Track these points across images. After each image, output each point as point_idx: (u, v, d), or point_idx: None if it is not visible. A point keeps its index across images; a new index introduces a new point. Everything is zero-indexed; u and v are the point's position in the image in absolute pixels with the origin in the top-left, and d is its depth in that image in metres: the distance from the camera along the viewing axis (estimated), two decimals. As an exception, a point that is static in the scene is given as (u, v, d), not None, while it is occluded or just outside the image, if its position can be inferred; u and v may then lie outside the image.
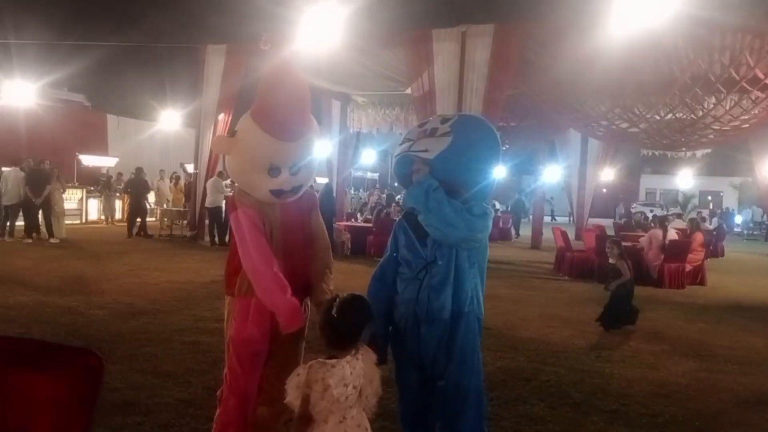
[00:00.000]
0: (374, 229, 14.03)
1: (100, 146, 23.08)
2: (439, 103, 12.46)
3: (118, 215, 18.91)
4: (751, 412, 4.66)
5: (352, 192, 24.20)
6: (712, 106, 13.21)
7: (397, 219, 3.23)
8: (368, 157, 28.04)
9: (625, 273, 7.44)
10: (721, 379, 5.40)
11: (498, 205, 24.52)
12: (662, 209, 32.01)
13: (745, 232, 29.14)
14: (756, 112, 13.39)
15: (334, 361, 2.41)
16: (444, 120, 2.99)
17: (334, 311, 2.47)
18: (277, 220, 3.05)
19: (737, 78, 11.94)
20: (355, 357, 2.46)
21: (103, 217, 18.88)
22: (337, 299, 2.52)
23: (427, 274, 2.86)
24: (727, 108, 13.36)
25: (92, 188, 19.28)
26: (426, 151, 2.88)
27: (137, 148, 23.11)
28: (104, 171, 21.73)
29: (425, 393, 3.00)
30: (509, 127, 18.45)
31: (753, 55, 11.43)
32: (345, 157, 19.03)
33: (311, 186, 3.34)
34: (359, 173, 33.47)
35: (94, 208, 18.97)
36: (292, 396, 2.40)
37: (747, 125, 14.13)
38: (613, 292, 7.36)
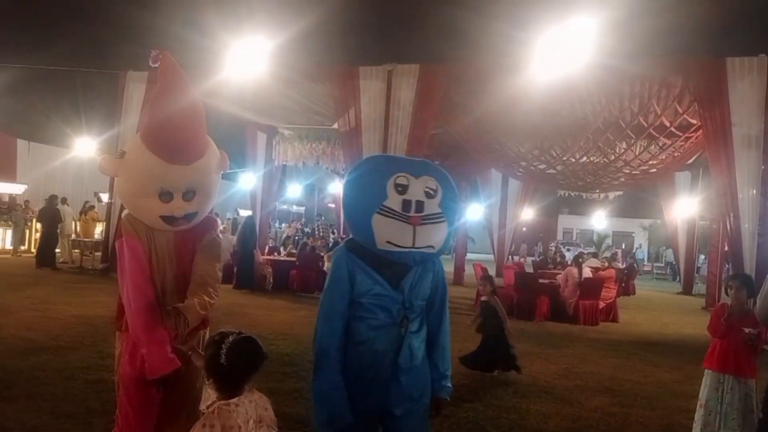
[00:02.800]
0: (297, 263, 13.84)
1: (8, 172, 21.83)
2: (366, 138, 12.57)
3: (25, 246, 17.81)
4: (659, 445, 4.80)
5: (276, 225, 23.85)
6: (622, 150, 13.95)
7: (334, 252, 2.89)
8: (294, 190, 27.86)
9: (500, 310, 6.81)
10: (631, 413, 5.55)
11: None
12: (581, 248, 33.27)
13: (655, 271, 30.65)
14: (663, 157, 14.24)
15: (235, 399, 2.26)
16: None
17: (222, 358, 2.27)
18: (169, 249, 2.90)
19: (645, 125, 12.70)
20: (249, 390, 2.34)
21: (11, 248, 17.72)
22: (225, 342, 2.29)
23: (408, 321, 2.67)
24: (637, 153, 14.16)
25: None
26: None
27: (49, 176, 22.01)
28: (8, 199, 20.54)
29: None
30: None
31: (660, 103, 12.21)
32: (270, 189, 18.80)
33: (216, 213, 3.19)
34: (285, 207, 33.13)
35: (-1, 238, 17.83)
36: None
37: (655, 170, 15.00)
38: (485, 331, 6.74)
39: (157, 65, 2.85)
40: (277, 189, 20.64)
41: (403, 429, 2.75)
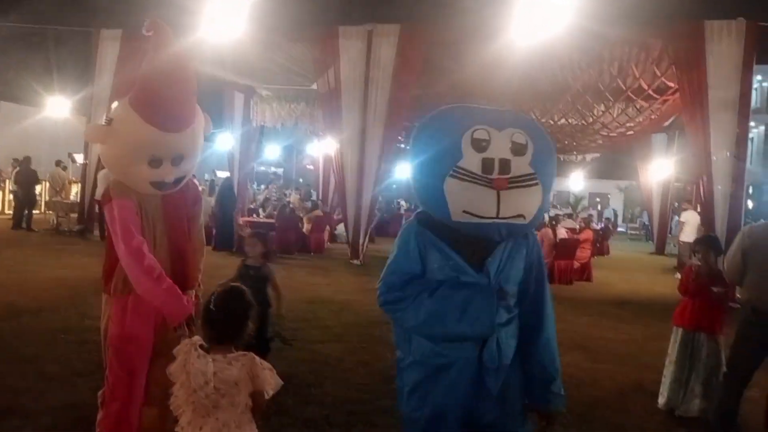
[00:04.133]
0: (277, 225, 13.85)
1: (-21, 132, 21.31)
2: (345, 99, 12.49)
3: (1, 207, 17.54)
4: (629, 399, 5.00)
5: (255, 187, 23.72)
6: (601, 113, 14.07)
7: (403, 227, 2.42)
8: (272, 152, 27.64)
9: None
10: (603, 368, 5.76)
11: (403, 204, 24.89)
12: (557, 209, 33.63)
13: (629, 232, 31.20)
14: (640, 120, 14.41)
15: (202, 351, 2.31)
16: None
17: (212, 305, 2.35)
18: (158, 212, 2.93)
19: (624, 88, 12.80)
20: (229, 362, 2.32)
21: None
22: (215, 292, 2.40)
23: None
24: (615, 115, 14.30)
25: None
26: None
27: (23, 136, 21.51)
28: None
29: None
30: (413, 127, 18.79)
31: (638, 66, 12.29)
32: (248, 151, 18.65)
33: (193, 175, 3.20)
34: (263, 168, 32.92)
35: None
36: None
37: (632, 132, 15.18)
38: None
39: (150, 34, 2.83)
40: (255, 150, 20.50)
41: None
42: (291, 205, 14.89)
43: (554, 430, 4.04)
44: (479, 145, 2.13)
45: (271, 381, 2.37)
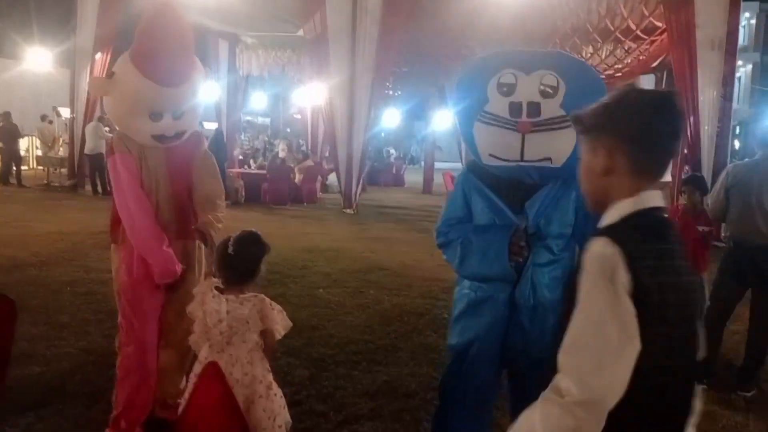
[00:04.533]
0: (268, 176, 13.90)
1: (-42, 87, 20.92)
2: (333, 46, 12.37)
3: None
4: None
5: (242, 138, 23.59)
6: (589, 55, 14.03)
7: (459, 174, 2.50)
8: (259, 100, 27.34)
9: None
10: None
11: (393, 152, 24.95)
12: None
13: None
14: (628, 61, 14.39)
15: (218, 293, 2.51)
16: None
17: (230, 249, 2.50)
18: (161, 165, 3.00)
19: (612, 28, 12.75)
20: (241, 302, 2.49)
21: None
22: (232, 237, 2.54)
23: (528, 248, 2.24)
24: (603, 57, 14.27)
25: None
26: None
27: (3, 90, 21.15)
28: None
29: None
30: (401, 72, 18.66)
31: (627, 6, 12.23)
32: (234, 100, 18.50)
33: (199, 130, 3.28)
34: (249, 118, 32.61)
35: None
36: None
37: (620, 74, 15.16)
38: None
39: None
40: (242, 100, 20.31)
41: (529, 390, 2.45)
42: (280, 156, 14.89)
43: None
44: (505, 90, 2.14)
45: (281, 321, 2.55)
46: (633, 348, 1.24)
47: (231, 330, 2.47)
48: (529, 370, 2.26)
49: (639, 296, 1.24)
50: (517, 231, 2.20)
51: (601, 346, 1.23)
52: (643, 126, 1.35)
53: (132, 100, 2.88)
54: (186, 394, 2.57)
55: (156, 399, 3.18)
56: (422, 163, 19.47)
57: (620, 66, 14.49)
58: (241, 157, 17.69)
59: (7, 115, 15.12)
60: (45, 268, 6.48)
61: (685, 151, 10.54)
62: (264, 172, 14.36)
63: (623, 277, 1.23)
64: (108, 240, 3.20)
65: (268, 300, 2.56)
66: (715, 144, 10.39)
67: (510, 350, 2.34)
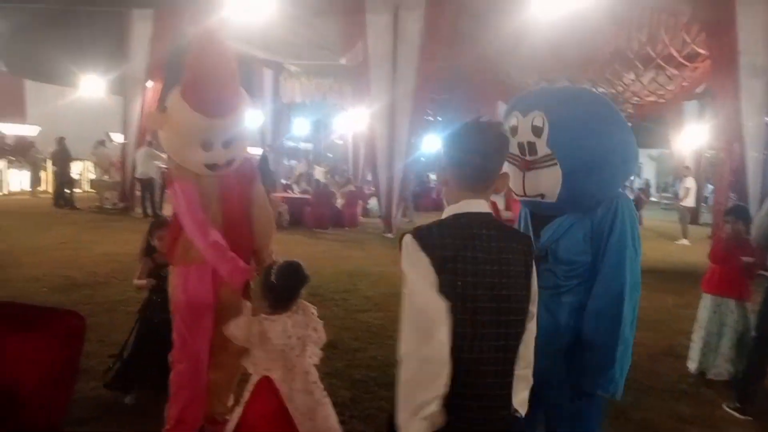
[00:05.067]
0: (312, 200, 14.15)
1: (17, 113, 21.94)
2: (374, 74, 12.63)
3: (42, 186, 18.16)
4: (661, 363, 5.20)
5: (288, 162, 24.05)
6: (630, 81, 13.98)
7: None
8: (301, 127, 27.84)
9: None
10: (636, 335, 5.93)
11: (433, 177, 25.03)
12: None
13: (662, 202, 30.93)
14: (671, 87, 14.28)
15: (274, 317, 2.68)
16: None
17: (273, 277, 2.68)
18: (215, 192, 3.16)
19: (653, 55, 12.70)
20: (295, 312, 2.73)
21: (29, 189, 18.08)
22: (274, 266, 2.73)
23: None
24: (645, 83, 14.19)
25: (13, 158, 18.40)
26: None
27: (59, 116, 22.09)
28: (9, 141, 20.74)
29: None
30: (441, 99, 18.85)
31: (668, 32, 12.18)
32: (278, 127, 18.96)
33: (249, 157, 3.46)
34: (292, 143, 33.19)
35: (15, 179, 18.12)
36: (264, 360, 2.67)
37: (663, 100, 15.05)
38: None
39: (193, 28, 3.09)
40: (285, 126, 20.79)
41: (554, 422, 2.40)
42: (315, 178, 15.16)
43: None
44: (512, 131, 2.32)
45: (323, 335, 2.80)
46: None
47: (301, 342, 2.67)
48: (554, 409, 2.38)
49: (437, 269, 1.67)
50: (545, 255, 2.32)
51: None
52: (455, 152, 1.81)
53: (184, 132, 3.08)
54: (239, 409, 2.71)
55: (206, 415, 3.32)
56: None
57: (662, 92, 14.38)
58: (284, 182, 18.03)
59: (61, 140, 15.81)
60: (99, 288, 6.76)
61: (730, 178, 10.38)
62: (307, 196, 14.62)
63: (423, 259, 1.67)
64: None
65: (311, 307, 2.80)
66: (762, 171, 10.21)
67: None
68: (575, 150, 2.20)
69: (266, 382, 2.59)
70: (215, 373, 3.33)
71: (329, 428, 2.67)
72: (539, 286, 2.22)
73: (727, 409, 4.17)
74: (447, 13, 12.24)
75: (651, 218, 20.33)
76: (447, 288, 1.67)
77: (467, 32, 12.84)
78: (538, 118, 2.25)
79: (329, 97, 18.07)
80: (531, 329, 1.86)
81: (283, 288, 2.70)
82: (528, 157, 2.26)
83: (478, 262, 1.72)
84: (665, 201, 30.43)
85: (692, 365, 4.91)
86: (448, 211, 1.81)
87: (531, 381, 1.90)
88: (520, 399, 1.86)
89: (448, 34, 12.31)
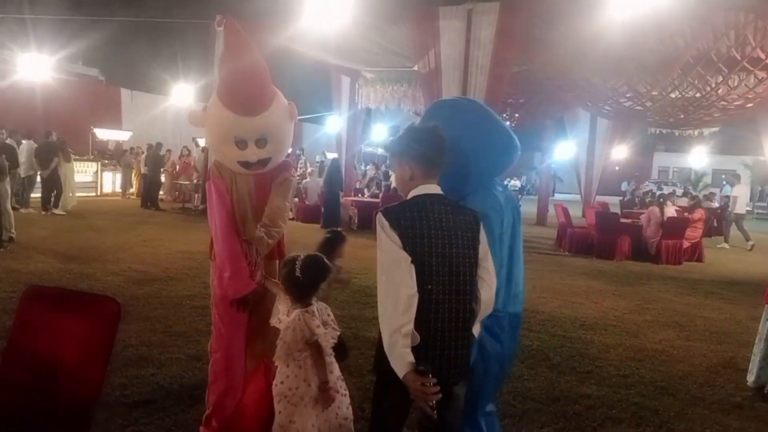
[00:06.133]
0: (381, 204, 14.34)
1: (114, 120, 23.48)
2: (445, 80, 12.67)
3: (132, 189, 19.36)
4: (719, 375, 4.99)
5: (362, 167, 24.44)
6: (715, 85, 13.32)
7: None
8: (379, 132, 28.23)
9: None
10: (696, 346, 5.73)
11: (511, 183, 24.87)
12: (676, 187, 31.88)
13: (756, 211, 29.22)
14: (759, 91, 13.49)
15: (310, 307, 2.80)
16: None
17: (297, 272, 2.77)
18: (249, 189, 3.31)
19: (739, 58, 12.06)
20: (319, 308, 2.84)
21: (120, 190, 19.32)
22: (298, 260, 2.81)
23: None
24: (732, 86, 13.47)
25: (107, 161, 19.72)
26: None
27: (150, 122, 23.48)
28: (110, 146, 22.18)
29: None
30: (517, 104, 18.64)
31: (756, 35, 11.53)
32: (354, 132, 19.28)
33: (288, 161, 3.55)
34: (370, 149, 33.70)
35: (108, 181, 19.41)
36: (293, 350, 2.77)
37: (751, 104, 14.23)
38: None
39: (221, 29, 3.27)
40: (362, 131, 21.12)
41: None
42: (393, 186, 15.33)
43: (634, 400, 4.22)
44: None
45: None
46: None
47: (325, 327, 2.78)
48: None
49: (393, 230, 2.21)
50: None
51: None
52: (414, 149, 2.34)
53: (218, 129, 3.26)
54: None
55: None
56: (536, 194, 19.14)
57: (751, 96, 13.61)
58: (357, 186, 18.36)
59: (157, 145, 16.81)
60: (170, 283, 7.18)
61: None
62: (377, 200, 14.83)
63: (387, 225, 2.22)
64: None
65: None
66: None
67: None
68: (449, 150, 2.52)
69: (262, 366, 2.73)
70: (255, 362, 3.47)
71: (343, 415, 2.77)
72: None
73: None
74: (520, 17, 12.12)
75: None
76: (409, 248, 2.20)
77: (541, 36, 12.65)
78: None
79: (403, 104, 18.22)
80: (483, 278, 2.36)
81: (310, 282, 2.80)
82: None
83: (431, 230, 2.25)
84: (759, 210, 28.70)
85: (750, 378, 4.69)
86: (411, 194, 2.34)
87: (485, 312, 2.40)
88: (474, 327, 2.41)
89: (521, 38, 12.17)
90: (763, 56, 11.69)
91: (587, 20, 11.17)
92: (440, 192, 2.35)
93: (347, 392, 2.87)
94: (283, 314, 2.85)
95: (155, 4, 18.21)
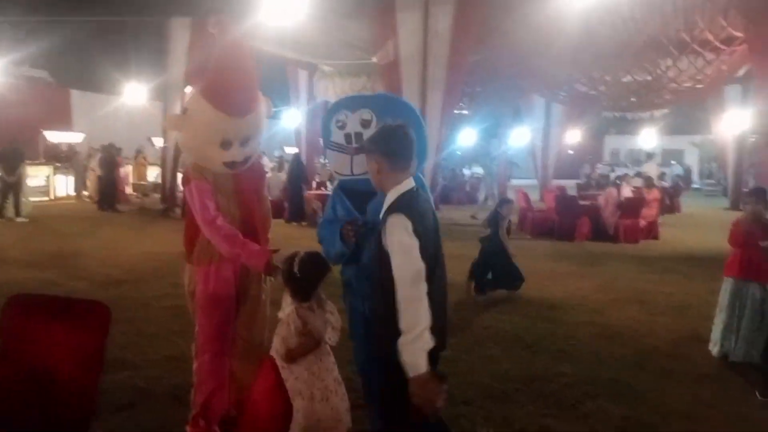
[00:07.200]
0: (344, 196, 14.32)
1: (64, 122, 22.82)
2: (405, 71, 12.72)
3: (87, 192, 18.86)
4: (684, 347, 5.19)
5: (323, 161, 24.35)
6: (666, 68, 13.73)
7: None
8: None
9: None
10: (660, 321, 5.94)
11: (469, 171, 25.10)
12: (627, 168, 32.67)
13: (704, 188, 30.21)
14: (709, 72, 13.95)
15: (308, 303, 2.82)
16: None
17: (296, 269, 2.80)
18: (230, 189, 3.30)
19: (689, 40, 12.46)
20: (313, 302, 2.86)
21: (74, 194, 18.82)
22: (297, 257, 2.84)
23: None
24: (682, 69, 13.91)
25: (59, 165, 19.17)
26: None
27: (102, 123, 22.92)
28: (65, 147, 21.60)
29: None
30: (474, 92, 18.84)
31: (705, 18, 11.93)
32: (313, 126, 19.21)
33: (261, 155, 3.59)
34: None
35: (62, 185, 18.88)
36: (289, 343, 2.78)
37: (701, 85, 14.72)
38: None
39: (215, 31, 3.23)
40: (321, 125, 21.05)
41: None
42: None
43: (608, 375, 4.37)
44: (339, 125, 2.93)
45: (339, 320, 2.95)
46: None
47: (324, 327, 2.82)
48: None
49: (417, 234, 2.24)
50: (349, 222, 2.81)
51: None
52: (387, 146, 2.42)
53: (205, 131, 3.21)
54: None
55: (231, 401, 3.49)
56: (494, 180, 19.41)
57: (700, 77, 14.07)
58: (318, 180, 18.28)
59: (111, 146, 16.37)
60: (137, 285, 7.07)
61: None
62: (340, 193, 14.79)
63: (411, 227, 2.23)
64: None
65: (321, 292, 2.95)
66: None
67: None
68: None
69: (269, 362, 2.73)
70: (239, 362, 3.46)
71: (340, 411, 2.80)
72: (365, 249, 2.78)
73: (760, 396, 4.10)
74: (477, 7, 12.25)
75: (692, 206, 19.87)
76: (422, 251, 2.25)
77: (498, 25, 12.81)
78: (367, 114, 2.89)
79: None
80: None
81: (307, 278, 2.82)
82: (355, 144, 2.87)
83: (428, 230, 2.35)
84: (708, 188, 29.73)
85: (714, 348, 4.89)
86: (399, 188, 2.40)
87: None
88: None
89: (479, 28, 12.31)
90: (711, 38, 12.08)
91: (543, 9, 11.37)
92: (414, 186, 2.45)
93: (345, 397, 2.90)
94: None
95: (105, 3, 17.73)
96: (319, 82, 18.19)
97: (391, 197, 2.41)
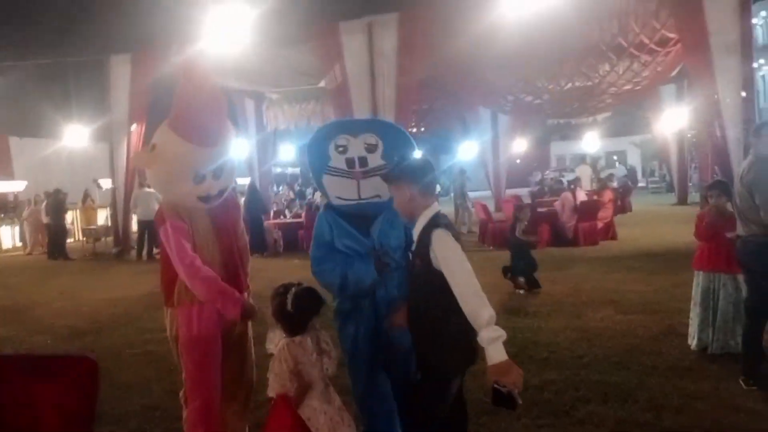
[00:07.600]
0: (305, 223, 14.19)
1: (5, 170, 22.03)
2: (354, 93, 12.78)
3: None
4: (663, 343, 5.26)
5: (275, 189, 24.15)
6: (605, 73, 14.16)
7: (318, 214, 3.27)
8: (287, 152, 27.99)
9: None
10: (635, 319, 6.04)
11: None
12: (574, 173, 33.49)
13: (650, 186, 31.22)
14: (646, 74, 14.45)
15: (299, 337, 2.74)
16: None
17: (289, 306, 2.71)
18: (207, 226, 3.17)
19: (625, 44, 12.89)
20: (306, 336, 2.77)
21: (20, 244, 18.04)
22: (289, 293, 2.74)
23: (383, 263, 3.01)
24: (620, 73, 14.37)
25: (2, 215, 18.43)
26: None
27: (44, 169, 22.20)
28: (11, 197, 20.83)
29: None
30: (422, 110, 19.05)
31: (638, 21, 12.38)
32: (264, 154, 19.07)
33: (233, 188, 3.50)
34: (279, 169, 33.35)
35: (7, 236, 18.12)
36: (284, 380, 2.69)
37: (639, 87, 15.23)
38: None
39: (181, 62, 3.15)
40: (271, 153, 20.89)
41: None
42: (317, 203, 15.25)
43: (594, 378, 4.40)
44: (341, 149, 2.95)
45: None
46: None
47: (319, 357, 2.76)
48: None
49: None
50: (377, 255, 2.90)
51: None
52: (421, 176, 2.61)
53: (175, 166, 3.09)
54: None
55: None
56: (452, 194, 19.55)
57: (638, 80, 14.56)
58: (275, 209, 18.10)
59: (57, 192, 15.67)
60: (102, 334, 6.80)
61: (713, 156, 10.50)
62: (300, 220, 14.67)
63: (452, 236, 2.50)
64: (159, 301, 3.38)
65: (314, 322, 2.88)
66: (743, 146, 10.32)
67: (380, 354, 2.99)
68: (403, 159, 2.83)
69: (282, 399, 2.64)
70: (230, 405, 3.34)
71: None
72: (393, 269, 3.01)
73: (744, 385, 4.17)
74: (419, 25, 12.45)
75: (641, 204, 20.47)
76: None
77: (441, 42, 12.98)
78: (371, 138, 2.96)
79: (313, 121, 18.19)
80: None
81: (301, 314, 2.75)
82: (359, 169, 2.92)
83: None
84: (653, 185, 30.74)
85: (693, 342, 4.98)
86: (429, 211, 2.59)
87: None
88: None
89: (423, 45, 12.49)
90: (646, 41, 12.53)
91: (482, 21, 11.58)
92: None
93: (352, 423, 2.82)
94: (277, 341, 2.79)
95: (42, 46, 17.25)
96: (267, 110, 18.09)
97: (424, 219, 2.59)
